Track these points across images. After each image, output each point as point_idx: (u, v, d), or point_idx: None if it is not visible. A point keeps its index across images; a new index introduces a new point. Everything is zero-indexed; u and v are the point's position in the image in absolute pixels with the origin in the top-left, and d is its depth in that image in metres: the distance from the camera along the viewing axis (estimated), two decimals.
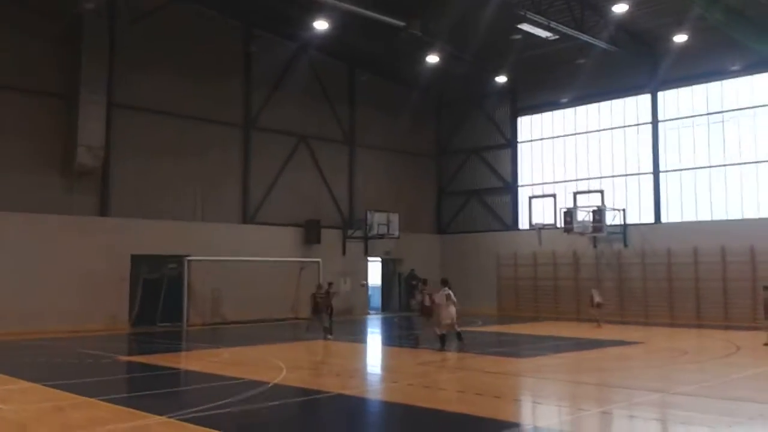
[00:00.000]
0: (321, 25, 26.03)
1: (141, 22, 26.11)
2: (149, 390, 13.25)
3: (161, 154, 26.71)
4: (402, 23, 25.15)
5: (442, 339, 17.95)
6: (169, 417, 10.00)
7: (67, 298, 23.47)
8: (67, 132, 24.32)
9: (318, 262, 29.55)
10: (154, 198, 26.36)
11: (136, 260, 25.57)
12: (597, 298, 25.85)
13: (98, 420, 10.02)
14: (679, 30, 26.48)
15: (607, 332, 23.49)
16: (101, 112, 24.69)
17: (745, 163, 27.30)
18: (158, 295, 26.01)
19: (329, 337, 20.66)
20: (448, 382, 13.49)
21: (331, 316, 21.78)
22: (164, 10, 26.73)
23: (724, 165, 27.81)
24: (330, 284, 24.24)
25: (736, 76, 27.56)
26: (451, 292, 18.27)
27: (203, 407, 10.69)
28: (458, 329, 18.07)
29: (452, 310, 18.04)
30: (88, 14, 24.18)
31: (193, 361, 17.74)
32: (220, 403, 11.06)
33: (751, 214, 26.95)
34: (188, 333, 24.25)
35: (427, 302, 19.22)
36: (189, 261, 26.02)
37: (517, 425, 10.04)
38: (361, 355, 19.49)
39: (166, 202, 26.68)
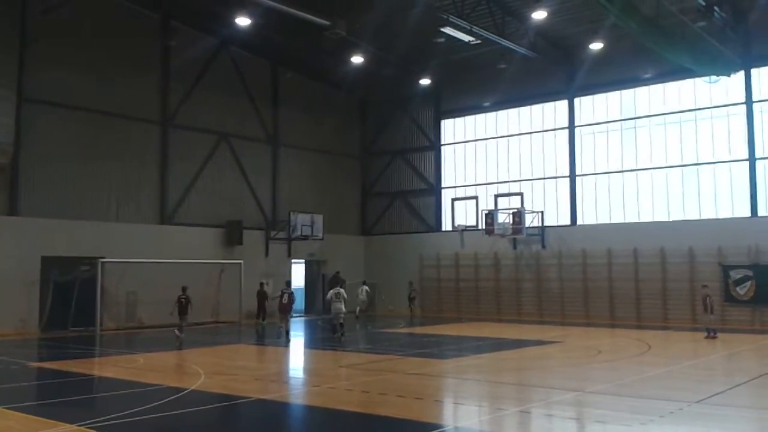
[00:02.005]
0: (243, 21, 25.61)
1: (54, 13, 25.06)
2: (61, 397, 12.76)
3: (75, 151, 25.71)
4: (327, 22, 24.98)
5: (334, 327, 21.55)
6: (81, 425, 9.67)
7: None
8: None
9: (240, 263, 29.09)
10: (66, 197, 25.33)
11: (47, 262, 24.53)
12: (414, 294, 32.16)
13: (6, 429, 9.66)
14: (595, 38, 27.43)
15: (527, 332, 24.01)
16: (11, 107, 23.59)
17: (655, 168, 28.40)
18: (70, 299, 25.01)
19: (178, 332, 21.03)
20: (370, 385, 13.45)
21: (264, 317, 25.63)
22: (78, 0, 25.75)
23: (637, 170, 28.87)
24: (261, 283, 26.60)
25: (649, 84, 28.66)
26: (342, 291, 21.89)
27: (116, 415, 10.35)
28: (341, 321, 21.36)
29: (340, 305, 21.35)
30: None
31: (106, 367, 17.10)
32: (134, 410, 10.71)
33: (661, 216, 28.05)
34: (102, 338, 23.45)
35: (285, 300, 22.04)
36: (103, 263, 25.15)
37: (438, 426, 10.09)
38: (283, 359, 19.25)
39: (80, 202, 25.70)
